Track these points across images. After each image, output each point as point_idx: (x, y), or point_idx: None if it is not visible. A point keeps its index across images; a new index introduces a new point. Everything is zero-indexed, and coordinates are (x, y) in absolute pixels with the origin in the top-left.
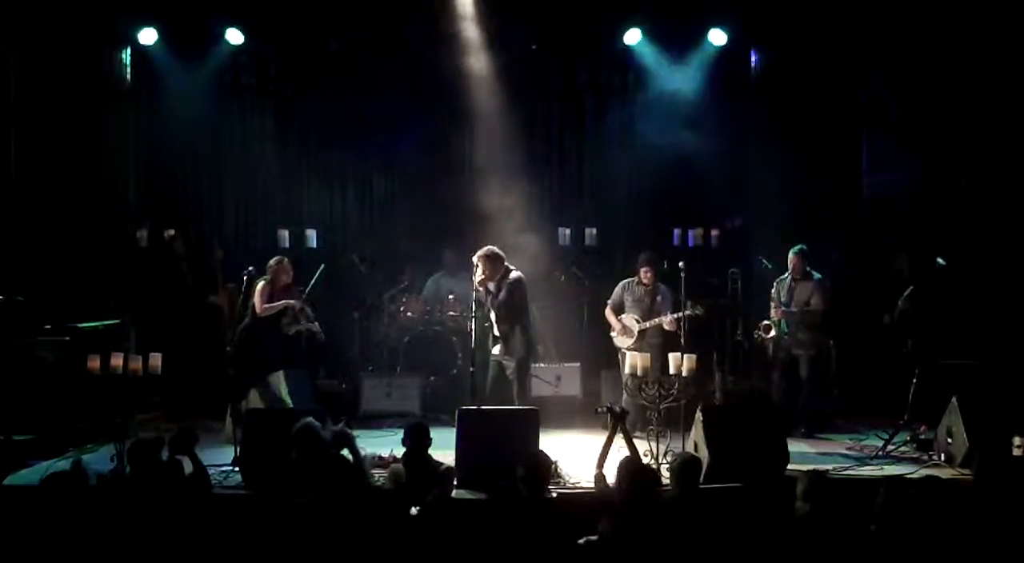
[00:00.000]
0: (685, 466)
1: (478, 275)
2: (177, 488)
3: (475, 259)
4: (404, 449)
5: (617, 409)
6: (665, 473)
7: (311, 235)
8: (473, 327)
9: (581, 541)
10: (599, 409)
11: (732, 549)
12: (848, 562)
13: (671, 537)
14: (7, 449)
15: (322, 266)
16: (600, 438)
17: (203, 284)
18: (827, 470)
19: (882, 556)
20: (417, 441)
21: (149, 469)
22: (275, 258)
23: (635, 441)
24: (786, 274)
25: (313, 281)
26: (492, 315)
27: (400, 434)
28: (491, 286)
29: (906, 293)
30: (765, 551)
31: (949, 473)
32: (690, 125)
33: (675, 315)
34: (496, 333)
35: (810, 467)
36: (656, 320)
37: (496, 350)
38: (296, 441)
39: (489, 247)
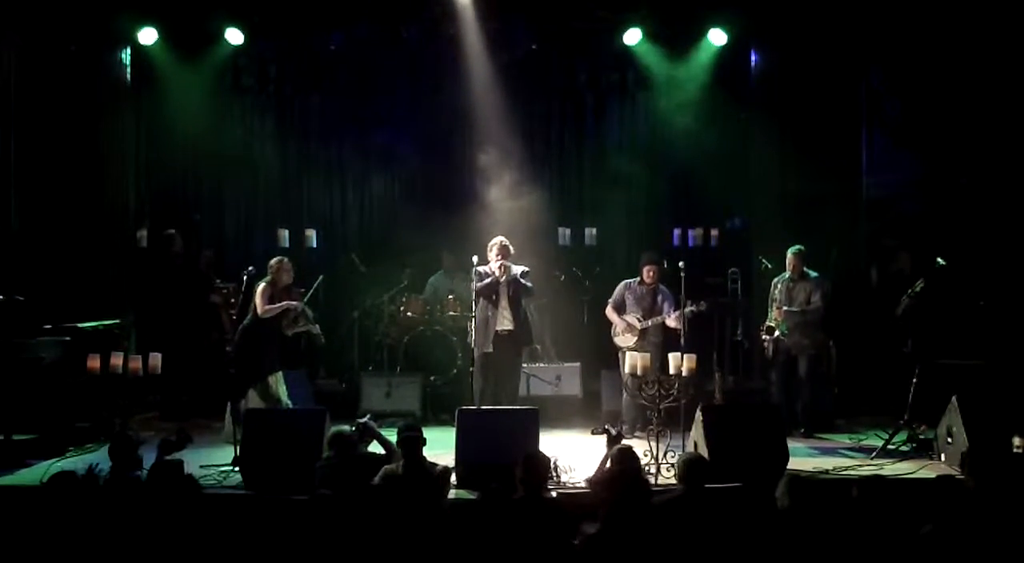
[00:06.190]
0: (691, 465)
1: (498, 258)
2: (178, 487)
3: (496, 245)
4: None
5: (613, 432)
6: (666, 473)
7: (311, 235)
8: (473, 327)
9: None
10: (595, 430)
11: (734, 549)
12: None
13: (675, 536)
14: (7, 449)
15: (320, 277)
16: (599, 440)
17: (196, 285)
18: (826, 470)
19: (882, 556)
20: (410, 450)
21: (131, 466)
22: (276, 258)
23: (635, 441)
24: (784, 274)
25: (311, 291)
26: (505, 300)
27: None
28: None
29: (908, 291)
30: (767, 551)
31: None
32: (690, 125)
33: (679, 311)
34: (505, 325)
35: (811, 467)
36: (659, 319)
37: (501, 332)
38: (361, 436)
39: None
